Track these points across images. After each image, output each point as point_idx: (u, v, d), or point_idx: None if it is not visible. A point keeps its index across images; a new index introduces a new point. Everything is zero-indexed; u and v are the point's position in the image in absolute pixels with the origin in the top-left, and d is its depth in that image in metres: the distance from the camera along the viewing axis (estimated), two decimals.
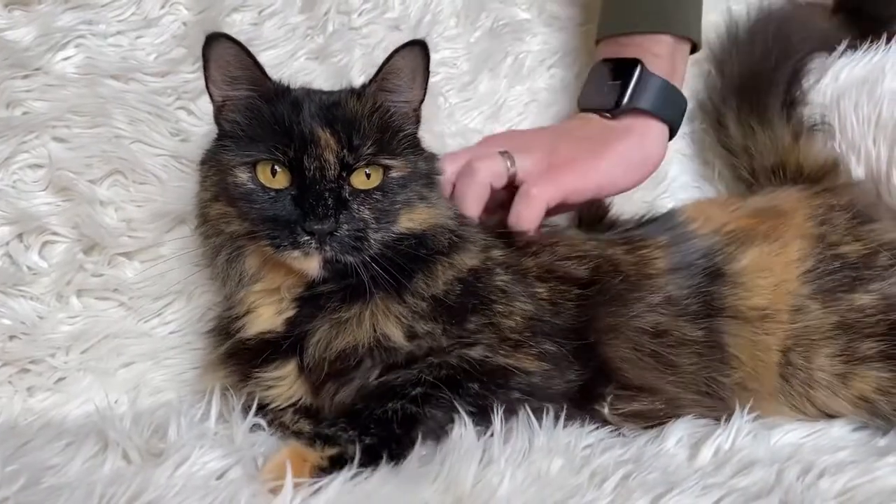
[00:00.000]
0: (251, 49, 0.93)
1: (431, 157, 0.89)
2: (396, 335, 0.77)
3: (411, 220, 0.83)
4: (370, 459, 0.67)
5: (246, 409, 0.79)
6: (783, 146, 1.10)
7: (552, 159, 0.96)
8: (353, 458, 0.67)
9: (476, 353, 0.77)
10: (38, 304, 0.87)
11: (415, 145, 0.86)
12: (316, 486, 0.63)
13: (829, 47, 1.19)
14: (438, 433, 0.73)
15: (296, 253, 0.76)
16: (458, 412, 0.72)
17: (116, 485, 0.62)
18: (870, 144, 1.07)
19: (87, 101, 0.90)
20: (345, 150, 0.78)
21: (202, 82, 0.93)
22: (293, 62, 1.02)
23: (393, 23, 1.09)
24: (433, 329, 0.78)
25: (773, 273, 0.89)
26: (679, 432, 0.79)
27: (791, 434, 0.83)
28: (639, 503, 0.65)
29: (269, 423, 0.79)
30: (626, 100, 0.98)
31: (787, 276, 0.89)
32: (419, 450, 0.70)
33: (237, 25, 1.00)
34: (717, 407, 0.85)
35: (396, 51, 0.82)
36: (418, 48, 0.82)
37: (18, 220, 0.87)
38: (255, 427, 0.78)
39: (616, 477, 0.68)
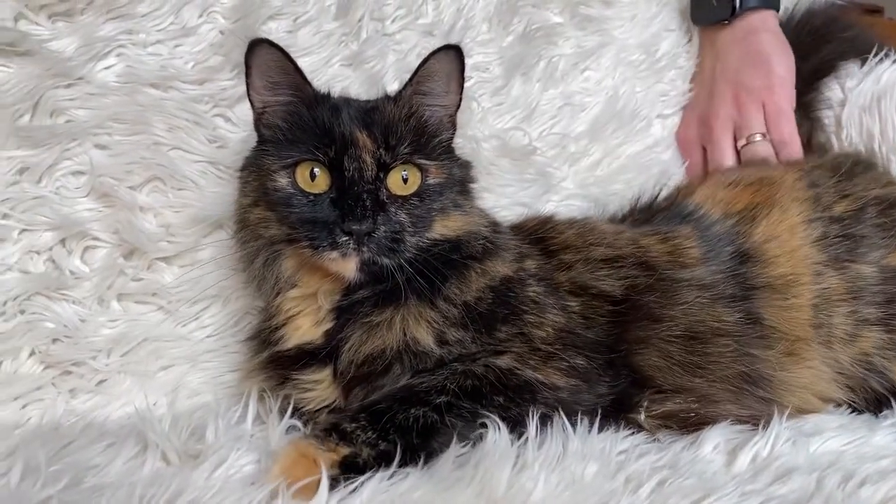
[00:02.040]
0: None
1: (466, 165, 0.90)
2: (426, 340, 0.78)
3: (446, 226, 0.83)
4: (383, 464, 0.67)
5: (282, 412, 0.80)
6: None
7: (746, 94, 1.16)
8: (364, 463, 0.67)
9: (503, 362, 0.77)
10: (80, 308, 0.89)
11: (450, 152, 0.87)
12: (351, 486, 0.64)
13: (862, 53, 1.21)
14: (462, 441, 0.71)
15: (334, 254, 0.77)
16: (481, 424, 0.72)
17: (156, 486, 0.63)
18: None
19: (127, 109, 0.92)
20: (381, 150, 0.79)
21: (239, 89, 0.96)
22: (328, 69, 1.03)
23: (426, 28, 1.10)
24: (463, 336, 0.79)
25: (782, 240, 0.95)
26: (716, 438, 0.78)
27: (832, 441, 0.82)
28: None
29: (305, 425, 0.80)
30: (738, 4, 1.16)
31: (796, 241, 0.95)
32: (455, 451, 0.70)
33: (273, 33, 1.01)
34: (753, 401, 0.85)
35: (431, 55, 0.83)
36: (453, 52, 0.83)
37: (61, 226, 0.89)
38: (291, 429, 0.78)
39: (651, 483, 0.67)
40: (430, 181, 0.82)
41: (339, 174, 0.78)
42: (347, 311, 0.81)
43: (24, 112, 0.88)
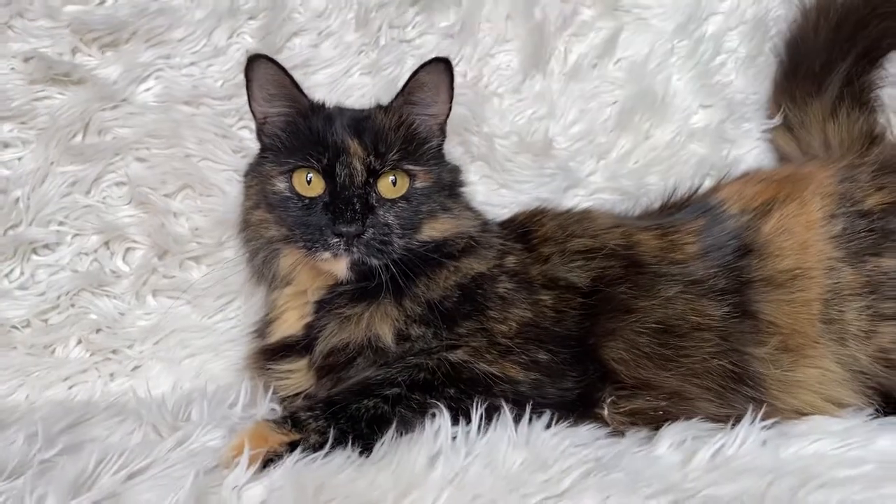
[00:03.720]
0: (310, 69, 1.04)
1: (455, 170, 0.93)
2: (386, 336, 0.82)
3: (434, 228, 0.87)
4: (332, 447, 0.72)
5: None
6: (821, 119, 1.10)
7: None
8: (312, 447, 0.71)
9: (456, 356, 0.80)
10: (119, 302, 1.02)
11: (439, 157, 0.91)
12: (286, 461, 0.69)
13: None
14: (408, 431, 0.74)
15: (326, 254, 0.83)
16: (430, 415, 0.74)
17: (128, 452, 0.72)
18: None
19: (162, 126, 1.04)
20: (371, 157, 0.84)
21: None
22: (347, 79, 1.10)
23: (446, 31, 1.13)
24: (425, 332, 0.82)
25: (794, 233, 0.91)
26: (676, 435, 0.76)
27: (816, 444, 0.77)
28: (585, 501, 0.64)
29: (283, 408, 0.86)
30: None
31: (812, 236, 0.91)
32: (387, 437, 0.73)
33: (297, 48, 1.09)
34: (738, 399, 0.82)
35: (421, 67, 0.87)
36: (442, 65, 0.87)
37: (105, 231, 1.02)
38: (274, 411, 0.85)
39: (574, 475, 0.67)
40: (418, 185, 0.86)
41: (331, 179, 0.84)
42: (327, 304, 0.87)
43: (77, 132, 1.03)
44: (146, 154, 1.04)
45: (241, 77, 1.04)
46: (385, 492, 0.64)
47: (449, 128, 1.01)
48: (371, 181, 0.84)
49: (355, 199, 0.82)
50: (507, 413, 0.75)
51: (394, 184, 0.84)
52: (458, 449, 0.70)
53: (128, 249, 1.03)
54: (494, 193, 1.10)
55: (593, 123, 1.15)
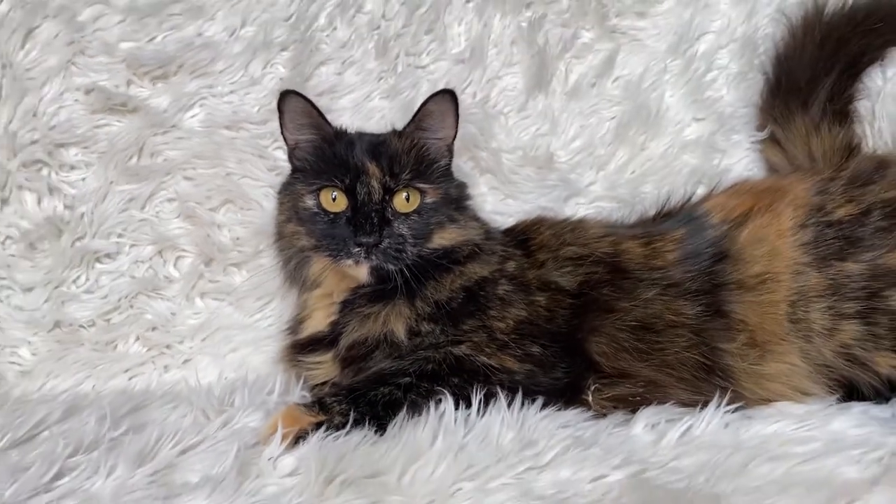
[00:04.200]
0: (336, 94, 1.17)
1: (462, 185, 1.05)
2: (399, 332, 0.94)
3: (443, 237, 0.99)
4: (352, 427, 0.84)
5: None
6: (805, 133, 1.16)
7: None
8: (336, 427, 0.84)
9: (459, 350, 0.92)
10: (171, 304, 1.16)
11: (447, 175, 1.03)
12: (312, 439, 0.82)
13: None
14: (417, 414, 0.86)
15: (349, 261, 0.96)
16: (436, 400, 0.86)
17: (181, 431, 0.86)
18: None
19: (206, 148, 1.18)
20: (386, 177, 0.96)
21: None
22: (368, 103, 1.22)
23: (457, 57, 1.25)
24: (433, 329, 0.94)
25: (766, 242, 0.99)
26: (652, 417, 0.87)
27: (774, 426, 0.87)
28: (563, 472, 0.76)
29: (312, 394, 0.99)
30: None
31: (783, 244, 0.99)
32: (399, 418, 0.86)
33: (324, 76, 1.22)
34: (708, 388, 0.92)
35: (430, 98, 0.98)
36: (448, 95, 0.99)
37: (158, 241, 1.16)
38: (304, 397, 0.99)
39: (556, 449, 0.79)
40: (428, 200, 0.98)
41: (353, 197, 0.96)
42: (350, 304, 0.99)
43: (132, 155, 1.16)
44: (193, 173, 1.17)
45: (275, 104, 1.20)
46: (394, 461, 0.76)
47: (460, 144, 1.14)
48: (387, 198, 0.96)
49: (373, 214, 0.95)
50: (502, 398, 0.87)
51: (407, 200, 0.97)
52: (457, 428, 0.82)
53: (178, 257, 1.17)
54: (501, 203, 1.22)
55: (592, 138, 1.26)
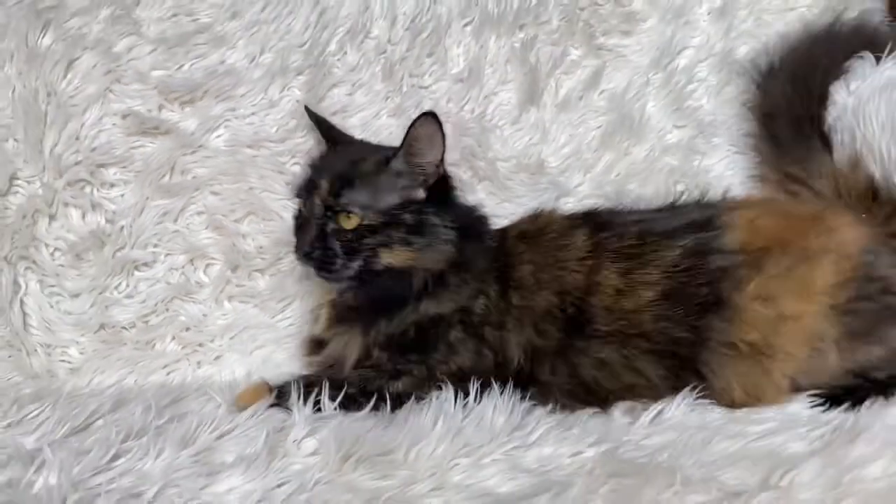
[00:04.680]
0: (347, 114, 1.30)
1: (420, 211, 1.05)
2: (353, 357, 1.04)
3: (391, 257, 1.03)
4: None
5: None
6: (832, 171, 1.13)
7: None
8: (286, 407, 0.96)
9: (397, 386, 1.00)
10: (203, 307, 1.28)
11: (405, 205, 1.05)
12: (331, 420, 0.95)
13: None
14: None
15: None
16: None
17: (210, 418, 0.98)
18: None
19: (231, 166, 1.30)
20: (330, 198, 1.04)
21: (309, 144, 1.30)
22: (377, 121, 1.34)
23: (456, 76, 1.37)
24: (381, 355, 1.03)
25: (779, 305, 0.89)
26: (628, 403, 0.99)
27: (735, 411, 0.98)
28: (546, 449, 0.88)
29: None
30: None
31: (805, 310, 0.89)
32: (409, 406, 0.98)
33: (336, 97, 1.34)
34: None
35: (414, 122, 1.03)
36: (431, 117, 1.02)
37: (189, 251, 1.28)
38: None
39: (540, 430, 0.91)
40: (367, 222, 1.03)
41: (306, 209, 1.08)
42: (339, 315, 1.10)
43: (165, 173, 1.29)
44: (219, 188, 1.30)
45: (293, 123, 1.32)
46: (401, 442, 0.88)
47: (459, 156, 1.28)
48: (328, 214, 1.05)
49: (313, 227, 1.05)
50: (495, 388, 0.98)
51: (348, 218, 1.04)
52: (456, 413, 0.95)
53: (207, 265, 1.29)
54: (499, 206, 1.32)
55: (580, 144, 1.37)
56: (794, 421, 0.94)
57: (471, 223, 1.11)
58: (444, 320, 1.03)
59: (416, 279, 1.03)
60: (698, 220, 1.02)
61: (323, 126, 1.16)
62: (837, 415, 0.93)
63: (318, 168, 1.11)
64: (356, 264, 1.05)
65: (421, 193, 1.06)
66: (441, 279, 1.04)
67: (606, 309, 0.98)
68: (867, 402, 0.92)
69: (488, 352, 1.02)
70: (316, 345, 1.12)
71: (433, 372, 1.01)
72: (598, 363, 0.98)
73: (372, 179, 1.06)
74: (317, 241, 1.05)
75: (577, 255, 1.03)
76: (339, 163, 1.10)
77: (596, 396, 0.98)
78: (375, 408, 0.99)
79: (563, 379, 0.99)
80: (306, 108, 1.14)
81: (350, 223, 1.04)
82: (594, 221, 1.08)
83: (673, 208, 1.10)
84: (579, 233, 1.07)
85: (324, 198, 1.06)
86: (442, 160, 1.08)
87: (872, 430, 0.84)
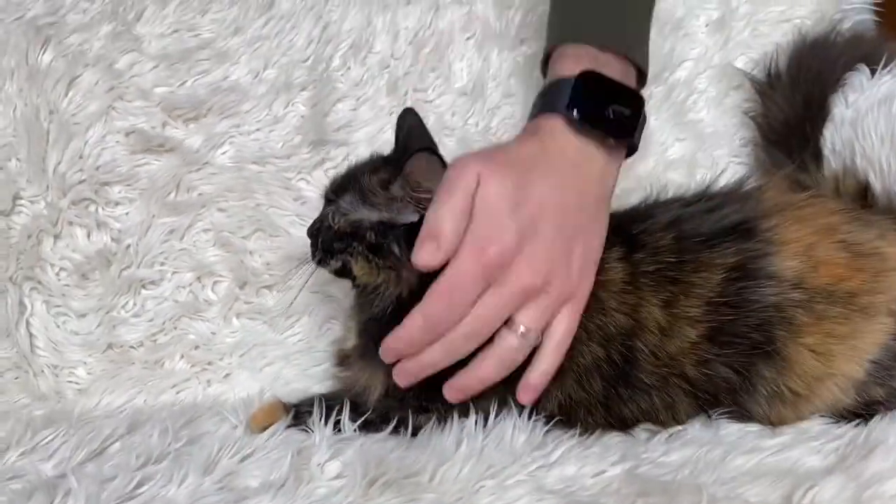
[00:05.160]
0: (352, 128, 1.33)
1: (385, 234, 0.99)
2: (376, 392, 1.02)
3: (356, 269, 1.00)
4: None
5: None
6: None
7: None
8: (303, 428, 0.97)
9: (419, 420, 0.99)
10: (211, 325, 1.27)
11: (379, 224, 0.99)
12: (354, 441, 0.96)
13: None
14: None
15: None
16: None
17: (230, 441, 0.98)
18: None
19: (237, 182, 1.30)
20: (332, 193, 1.05)
21: (314, 160, 1.31)
22: (382, 135, 1.34)
23: (460, 90, 1.38)
24: (407, 393, 0.97)
25: (832, 362, 0.86)
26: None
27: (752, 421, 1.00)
28: (568, 468, 0.89)
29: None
30: None
31: (855, 367, 0.87)
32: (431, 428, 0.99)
33: (341, 112, 1.34)
34: None
35: (408, 158, 0.97)
36: (425, 153, 0.96)
37: (196, 268, 1.28)
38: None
39: (561, 449, 0.92)
40: (338, 227, 1.01)
41: None
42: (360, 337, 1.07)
43: (171, 191, 1.28)
44: (225, 205, 1.29)
45: (297, 139, 1.32)
46: (426, 464, 0.88)
47: None
48: (330, 208, 1.05)
49: (322, 213, 1.07)
50: (513, 406, 0.99)
51: (334, 218, 1.03)
52: (477, 433, 0.95)
53: (215, 282, 1.29)
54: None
55: None
56: (807, 435, 0.94)
57: None
58: None
59: (380, 301, 0.98)
60: (737, 222, 0.91)
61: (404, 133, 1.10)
62: (849, 428, 0.94)
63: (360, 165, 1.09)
64: (333, 263, 1.03)
65: (413, 217, 0.98)
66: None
67: (652, 354, 0.89)
68: (877, 416, 0.93)
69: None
70: (345, 357, 1.12)
71: (460, 413, 0.96)
72: (640, 410, 0.93)
73: (364, 191, 1.02)
74: (314, 226, 1.06)
75: (615, 287, 0.92)
76: (368, 166, 1.07)
77: (626, 427, 0.95)
78: (395, 430, 0.99)
79: (599, 420, 0.95)
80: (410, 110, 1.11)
81: (333, 223, 1.03)
82: (625, 234, 0.95)
83: (705, 198, 0.98)
84: (612, 256, 0.94)
85: (328, 192, 1.08)
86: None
87: (887, 444, 0.85)
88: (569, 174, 0.89)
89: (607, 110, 0.91)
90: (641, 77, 1.02)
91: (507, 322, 0.87)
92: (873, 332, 0.85)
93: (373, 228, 1.00)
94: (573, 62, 0.94)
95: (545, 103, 0.94)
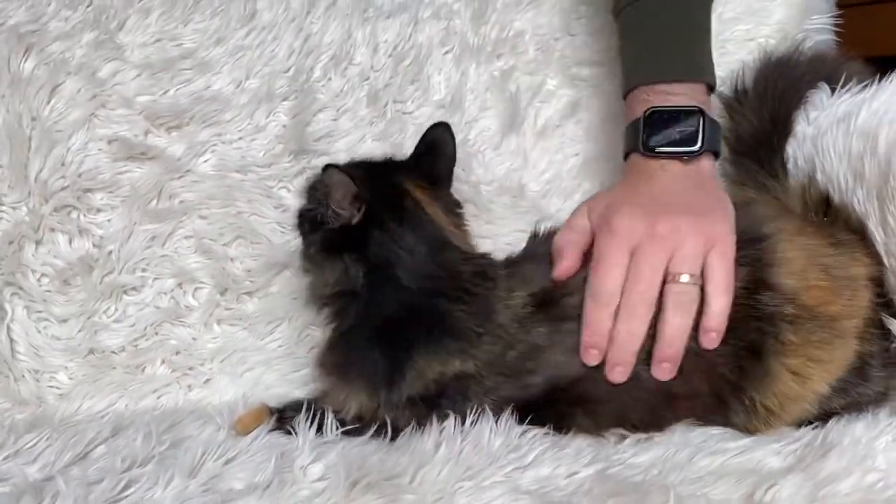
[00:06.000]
0: (332, 138, 1.36)
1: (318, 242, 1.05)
2: (353, 412, 1.04)
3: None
4: None
5: None
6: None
7: None
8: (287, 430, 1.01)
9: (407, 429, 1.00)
10: (192, 330, 1.29)
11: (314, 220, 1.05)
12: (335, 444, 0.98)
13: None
14: None
15: None
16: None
17: (214, 444, 1.00)
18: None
19: (219, 190, 1.31)
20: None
21: (295, 169, 1.33)
22: (362, 144, 1.37)
23: (439, 103, 1.41)
24: (397, 413, 1.02)
25: (807, 384, 0.93)
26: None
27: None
28: (543, 469, 0.93)
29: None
30: None
31: (823, 386, 0.93)
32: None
33: (322, 122, 1.36)
34: None
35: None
36: (331, 168, 0.99)
37: (178, 275, 1.30)
38: None
39: (535, 451, 0.96)
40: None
41: None
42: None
43: (153, 198, 1.30)
44: (207, 213, 1.31)
45: (278, 148, 1.35)
46: (406, 466, 0.91)
47: None
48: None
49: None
50: (488, 411, 1.03)
51: None
52: (455, 437, 0.99)
53: (196, 288, 1.30)
54: (482, 228, 1.35)
55: (560, 171, 1.42)
56: (767, 437, 1.00)
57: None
58: (469, 377, 0.99)
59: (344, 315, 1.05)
60: (744, 226, 0.95)
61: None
62: (807, 431, 0.99)
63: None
64: (295, 242, 1.11)
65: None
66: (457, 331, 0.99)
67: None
68: (833, 420, 0.98)
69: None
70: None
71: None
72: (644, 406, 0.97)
73: (321, 184, 1.04)
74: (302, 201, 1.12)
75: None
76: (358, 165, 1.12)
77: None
78: (376, 433, 1.02)
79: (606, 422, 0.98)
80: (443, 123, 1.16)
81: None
82: None
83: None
84: None
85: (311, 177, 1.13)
86: (360, 209, 1.01)
87: (842, 446, 0.90)
88: (669, 190, 0.99)
89: (673, 134, 0.99)
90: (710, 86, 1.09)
91: (666, 278, 0.90)
92: (845, 354, 0.91)
93: (305, 218, 1.09)
94: (642, 105, 1.06)
95: (626, 144, 1.08)
